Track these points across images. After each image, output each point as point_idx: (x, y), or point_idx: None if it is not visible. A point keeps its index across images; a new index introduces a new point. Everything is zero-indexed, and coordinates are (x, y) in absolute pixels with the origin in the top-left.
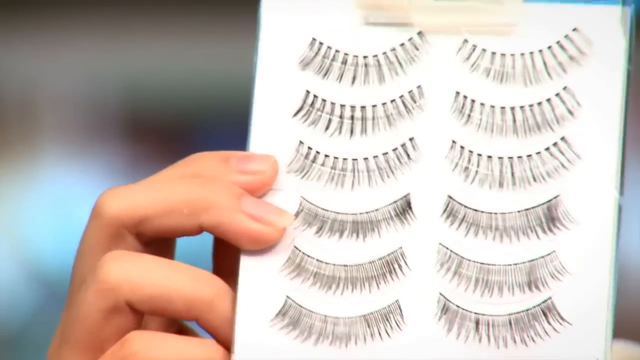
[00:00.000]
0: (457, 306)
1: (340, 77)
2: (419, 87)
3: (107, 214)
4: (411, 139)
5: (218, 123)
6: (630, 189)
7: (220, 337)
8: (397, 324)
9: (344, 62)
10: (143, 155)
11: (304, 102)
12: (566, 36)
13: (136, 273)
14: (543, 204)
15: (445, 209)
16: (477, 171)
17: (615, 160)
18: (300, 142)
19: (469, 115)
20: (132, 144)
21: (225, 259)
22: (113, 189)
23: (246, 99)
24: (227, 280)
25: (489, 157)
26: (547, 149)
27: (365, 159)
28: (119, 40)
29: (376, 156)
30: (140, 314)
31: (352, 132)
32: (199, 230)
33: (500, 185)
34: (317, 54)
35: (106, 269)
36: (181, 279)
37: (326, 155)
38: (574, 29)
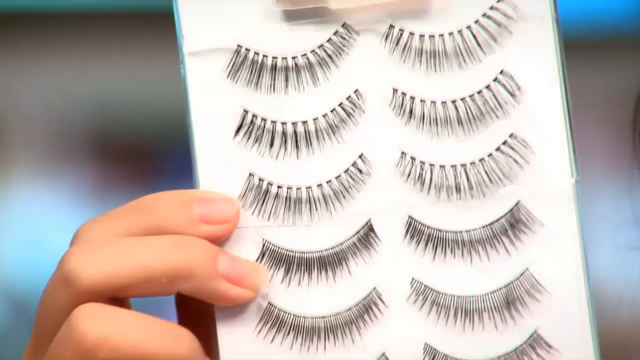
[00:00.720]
0: (444, 355)
1: (273, 85)
2: (356, 91)
3: (82, 285)
4: (360, 156)
5: (185, 143)
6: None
7: None
8: None
9: (274, 66)
10: (112, 175)
11: (243, 120)
12: (491, 7)
13: (114, 333)
14: (505, 214)
15: (408, 230)
16: (431, 180)
17: (566, 142)
18: (250, 174)
19: (410, 113)
20: (101, 164)
21: (190, 304)
22: (81, 248)
23: None
24: (192, 322)
25: (442, 166)
26: (498, 148)
27: (319, 185)
28: (87, 61)
29: (329, 181)
30: None
31: (297, 149)
32: (176, 292)
33: (458, 191)
34: (244, 61)
35: (83, 329)
36: (158, 338)
37: (279, 186)
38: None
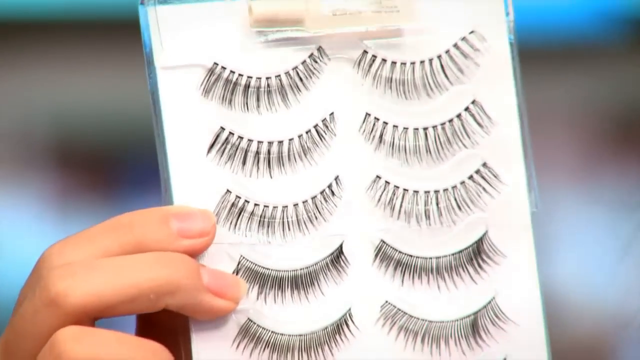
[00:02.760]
0: None
1: (246, 105)
2: (331, 114)
3: (70, 307)
4: (336, 178)
5: (148, 152)
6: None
7: None
8: None
9: (247, 86)
10: (73, 185)
11: (217, 137)
12: (463, 38)
13: (100, 354)
14: (472, 244)
15: (378, 254)
16: (401, 205)
17: (526, 175)
18: (228, 191)
19: (380, 138)
20: (63, 174)
21: (152, 319)
22: (67, 270)
23: None
24: (156, 332)
25: (415, 191)
26: (470, 177)
27: (295, 205)
28: (48, 71)
29: (305, 201)
30: None
31: (270, 169)
32: (162, 308)
33: (427, 217)
34: (217, 79)
35: (70, 352)
36: (140, 356)
37: (255, 204)
38: (471, 32)
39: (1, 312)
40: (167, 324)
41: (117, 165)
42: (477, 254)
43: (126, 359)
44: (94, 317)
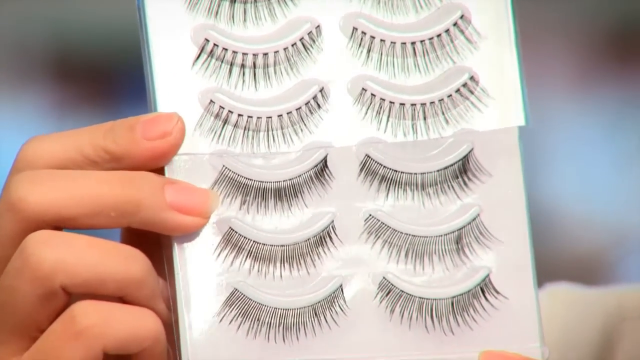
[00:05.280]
0: (400, 291)
1: (232, 17)
2: (317, 27)
3: (27, 210)
4: (321, 90)
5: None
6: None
7: None
8: (342, 309)
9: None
10: (71, 96)
11: (203, 49)
12: None
13: (70, 257)
14: (458, 160)
15: (363, 168)
16: (388, 118)
17: (519, 89)
18: (211, 101)
19: (368, 52)
20: (60, 85)
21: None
22: (29, 176)
23: None
24: (137, 246)
25: (401, 104)
26: (457, 90)
27: (280, 116)
28: None
29: (290, 112)
30: (71, 294)
31: (256, 81)
32: (125, 226)
33: (414, 131)
34: None
35: (39, 255)
36: (113, 260)
37: (239, 115)
38: None
39: None
40: (151, 235)
41: (115, 77)
42: (462, 171)
43: (97, 263)
44: (57, 225)
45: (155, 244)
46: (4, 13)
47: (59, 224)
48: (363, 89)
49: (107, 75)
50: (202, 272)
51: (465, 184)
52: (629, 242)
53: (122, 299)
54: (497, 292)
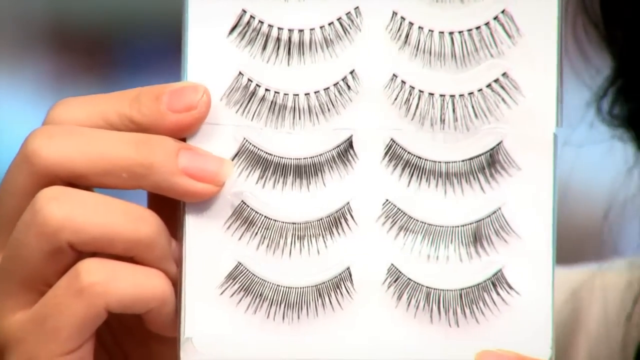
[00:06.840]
0: (407, 279)
1: None
2: (356, 8)
3: (40, 164)
4: (352, 72)
5: (145, 33)
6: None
7: None
8: (348, 292)
9: None
10: (70, 66)
11: (240, 20)
12: None
13: (78, 215)
14: (486, 152)
15: (387, 152)
16: (417, 107)
17: (555, 91)
18: (240, 73)
19: (406, 38)
20: (59, 55)
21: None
22: (46, 130)
23: (174, 9)
24: (161, 208)
25: (431, 94)
26: (489, 85)
27: (307, 94)
28: None
29: (317, 91)
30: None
31: (289, 57)
32: (138, 188)
33: (442, 121)
34: None
35: (47, 210)
36: (122, 220)
37: (267, 89)
38: None
39: None
40: (175, 200)
41: (114, 47)
42: (490, 163)
43: (106, 221)
44: (69, 182)
45: (178, 208)
46: None
47: (72, 181)
48: (394, 74)
49: (106, 45)
50: (209, 242)
51: (492, 175)
52: (628, 206)
53: (132, 260)
54: (510, 287)
